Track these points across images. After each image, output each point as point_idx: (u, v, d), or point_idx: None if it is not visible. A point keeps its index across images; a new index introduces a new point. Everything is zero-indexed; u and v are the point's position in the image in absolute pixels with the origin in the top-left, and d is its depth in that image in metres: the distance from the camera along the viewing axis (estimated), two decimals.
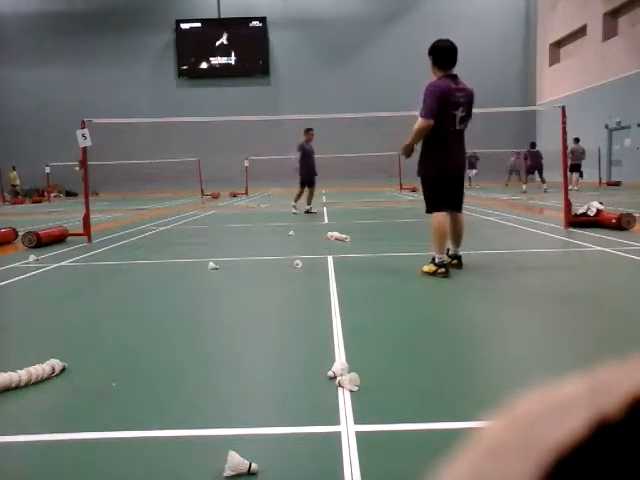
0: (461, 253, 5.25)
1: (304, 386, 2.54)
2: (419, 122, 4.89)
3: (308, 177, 12.22)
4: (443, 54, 4.92)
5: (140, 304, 4.34)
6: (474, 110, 5.15)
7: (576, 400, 0.21)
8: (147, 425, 2.16)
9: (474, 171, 26.70)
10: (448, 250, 5.16)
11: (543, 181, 19.64)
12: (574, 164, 19.88)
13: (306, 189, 12.37)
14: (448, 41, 5.00)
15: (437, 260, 4.91)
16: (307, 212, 12.16)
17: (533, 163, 20.12)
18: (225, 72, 33.66)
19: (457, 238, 5.19)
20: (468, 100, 4.94)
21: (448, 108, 4.83)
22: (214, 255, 6.19)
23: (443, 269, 4.87)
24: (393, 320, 3.59)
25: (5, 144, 31.95)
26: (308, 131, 12.17)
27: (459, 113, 4.88)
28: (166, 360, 2.95)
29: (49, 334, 3.54)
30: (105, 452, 1.99)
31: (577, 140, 20.36)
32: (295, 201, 12.44)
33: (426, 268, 4.97)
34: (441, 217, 4.98)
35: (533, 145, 20.97)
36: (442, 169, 4.97)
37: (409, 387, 2.48)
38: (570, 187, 18.93)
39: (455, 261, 5.16)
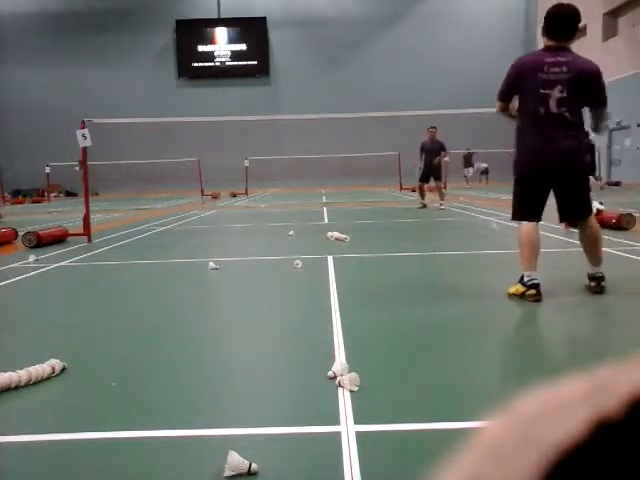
0: (598, 271, 4.09)
1: (304, 386, 2.54)
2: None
3: (422, 173, 12.80)
4: (551, 21, 4.01)
5: (140, 304, 4.34)
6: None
7: (576, 400, 0.21)
8: (147, 425, 2.16)
9: (470, 169, 26.77)
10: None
11: None
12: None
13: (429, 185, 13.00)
14: (563, 6, 4.08)
15: (525, 279, 3.95)
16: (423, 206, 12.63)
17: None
18: (225, 72, 33.65)
19: (588, 253, 4.12)
20: (573, 77, 3.91)
21: (537, 86, 3.90)
22: (214, 255, 6.19)
23: (533, 290, 3.88)
24: (393, 320, 3.59)
25: (5, 144, 31.94)
26: (428, 129, 12.90)
27: (556, 93, 3.88)
28: (166, 360, 2.95)
29: (49, 334, 3.54)
30: (105, 452, 1.99)
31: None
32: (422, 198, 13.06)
33: (512, 289, 4.00)
34: (526, 226, 4.06)
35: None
36: (527, 166, 4.04)
37: (409, 387, 2.48)
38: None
39: (593, 283, 4.06)
